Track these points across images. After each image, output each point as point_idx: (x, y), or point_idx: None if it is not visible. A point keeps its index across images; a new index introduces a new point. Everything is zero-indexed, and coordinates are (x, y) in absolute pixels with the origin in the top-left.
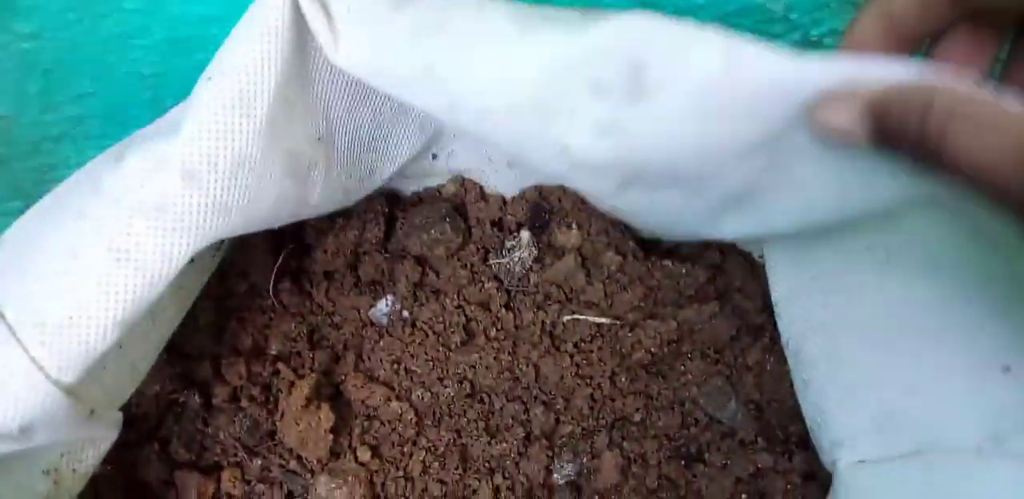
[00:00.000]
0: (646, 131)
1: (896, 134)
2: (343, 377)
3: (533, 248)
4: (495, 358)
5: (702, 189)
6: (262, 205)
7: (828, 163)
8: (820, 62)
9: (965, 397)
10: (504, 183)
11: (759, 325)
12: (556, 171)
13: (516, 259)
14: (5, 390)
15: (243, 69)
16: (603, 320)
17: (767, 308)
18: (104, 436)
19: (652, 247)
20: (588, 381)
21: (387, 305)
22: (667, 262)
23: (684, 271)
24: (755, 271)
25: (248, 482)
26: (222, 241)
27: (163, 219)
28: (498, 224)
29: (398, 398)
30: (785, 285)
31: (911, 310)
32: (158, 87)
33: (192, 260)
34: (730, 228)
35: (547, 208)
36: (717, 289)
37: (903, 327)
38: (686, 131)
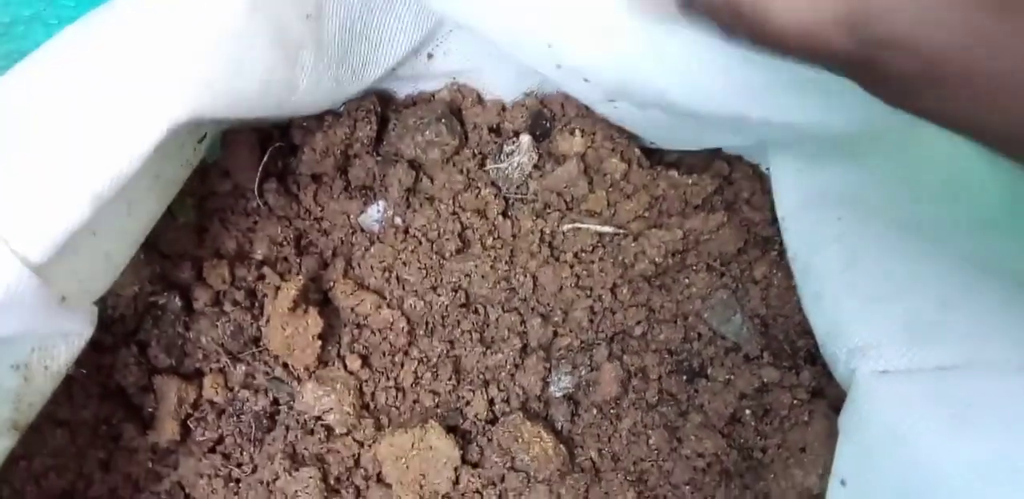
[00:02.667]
0: (634, 41)
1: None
2: (331, 283)
3: (533, 153)
4: (491, 267)
5: (691, 114)
6: (248, 81)
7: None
8: None
9: (1004, 318)
10: (504, 84)
11: (767, 238)
12: (544, 71)
13: (515, 165)
14: None
15: None
16: (605, 229)
17: (776, 221)
18: (78, 332)
19: (657, 156)
20: (588, 293)
21: (378, 211)
22: (672, 172)
23: (690, 181)
24: (763, 183)
25: (231, 389)
26: (204, 134)
27: (140, 85)
28: (496, 130)
29: (389, 306)
30: (793, 198)
31: (942, 228)
32: None
33: (171, 147)
34: (727, 142)
35: (548, 115)
36: (724, 200)
37: (933, 243)
38: (677, 47)
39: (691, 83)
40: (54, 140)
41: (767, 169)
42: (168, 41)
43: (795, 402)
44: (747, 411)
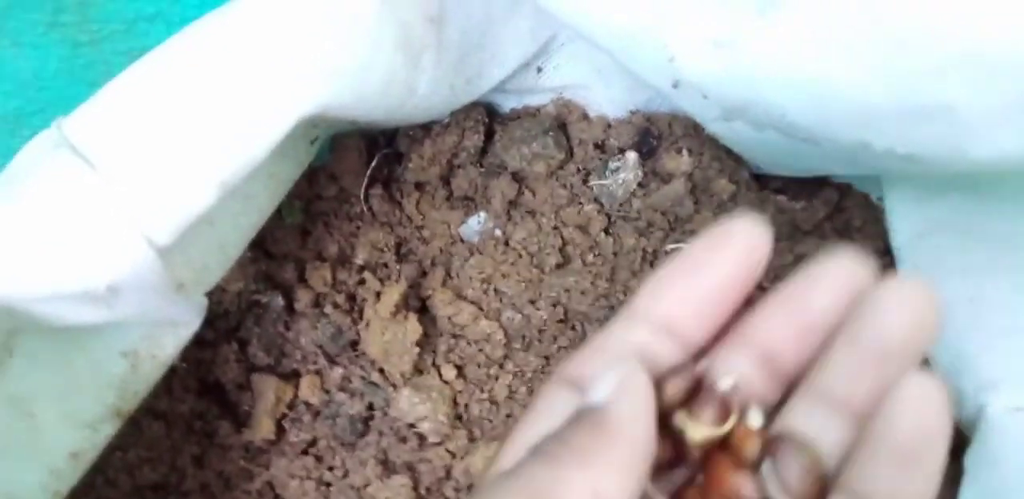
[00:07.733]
0: (763, 55)
1: None
2: (430, 292)
3: (639, 171)
4: (592, 284)
5: (810, 138)
6: (372, 79)
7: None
8: None
9: None
10: (611, 101)
11: (880, 268)
12: (659, 85)
13: (620, 181)
14: (95, 245)
15: None
16: None
17: (888, 252)
18: (187, 322)
19: (763, 181)
20: None
21: (479, 223)
22: (781, 197)
23: (800, 207)
24: (875, 213)
25: (327, 391)
26: (316, 135)
27: (272, 77)
28: (601, 146)
29: (487, 318)
30: (909, 228)
31: None
32: None
33: (286, 147)
34: (840, 171)
35: (655, 133)
36: (835, 228)
37: None
38: (805, 64)
39: (816, 105)
40: (186, 126)
41: (879, 199)
42: (299, 36)
43: None
44: None
